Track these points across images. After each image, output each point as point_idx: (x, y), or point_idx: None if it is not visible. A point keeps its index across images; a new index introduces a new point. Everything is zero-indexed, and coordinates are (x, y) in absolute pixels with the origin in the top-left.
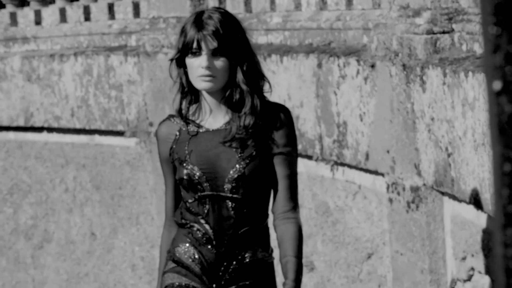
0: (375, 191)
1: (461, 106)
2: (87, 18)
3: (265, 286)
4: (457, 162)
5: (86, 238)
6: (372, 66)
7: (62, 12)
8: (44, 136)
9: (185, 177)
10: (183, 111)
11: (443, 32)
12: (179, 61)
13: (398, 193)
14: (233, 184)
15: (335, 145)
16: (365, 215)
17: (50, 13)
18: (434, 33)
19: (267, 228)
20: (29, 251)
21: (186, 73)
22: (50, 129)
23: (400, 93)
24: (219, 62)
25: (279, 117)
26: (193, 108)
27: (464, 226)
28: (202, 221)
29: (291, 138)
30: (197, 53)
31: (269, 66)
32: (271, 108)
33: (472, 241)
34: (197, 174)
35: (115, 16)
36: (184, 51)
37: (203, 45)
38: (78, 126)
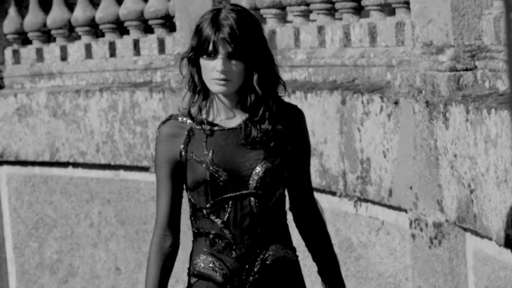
0: (398, 227)
1: (483, 142)
2: (113, 54)
3: (292, 286)
4: (480, 198)
5: (111, 272)
6: (396, 103)
7: (88, 48)
8: (69, 171)
9: (209, 178)
10: (194, 110)
11: (466, 69)
12: (192, 59)
13: (421, 229)
14: (259, 181)
15: (358, 181)
16: (388, 251)
17: (75, 49)
18: (457, 70)
19: (286, 226)
20: (54, 286)
21: (198, 72)
22: (76, 164)
23: (423, 129)
24: (235, 66)
25: (296, 118)
26: (203, 106)
27: (486, 262)
28: (221, 225)
29: (307, 137)
30: (212, 55)
31: (293, 103)
32: (286, 109)
33: (494, 277)
34: (223, 175)
35: (140, 52)
36: (198, 51)
37: (219, 48)
38: (103, 161)
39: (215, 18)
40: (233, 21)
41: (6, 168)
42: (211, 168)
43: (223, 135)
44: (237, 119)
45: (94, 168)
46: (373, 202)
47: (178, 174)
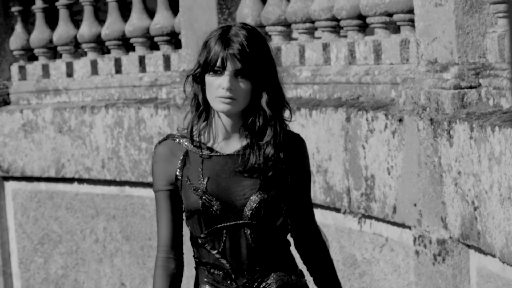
0: (402, 244)
1: (487, 160)
2: (118, 70)
3: None
4: (483, 215)
5: None
6: (400, 120)
7: (94, 64)
8: (75, 187)
9: (201, 208)
10: (195, 132)
11: (470, 87)
12: (197, 77)
13: (425, 246)
14: (253, 211)
15: (363, 198)
16: (392, 267)
17: (81, 66)
18: (461, 88)
19: (288, 252)
20: None
21: (203, 91)
22: (81, 180)
23: (427, 147)
24: (242, 84)
25: (298, 147)
26: (202, 127)
27: (490, 278)
28: (217, 255)
29: (308, 166)
30: (219, 72)
31: (298, 120)
32: (288, 137)
33: None
34: (216, 205)
35: (146, 69)
36: (205, 67)
37: (227, 64)
38: (108, 177)
39: (224, 34)
40: (243, 38)
41: (12, 184)
42: (204, 197)
43: (220, 161)
44: (237, 144)
45: (100, 184)
46: (377, 219)
47: (176, 195)
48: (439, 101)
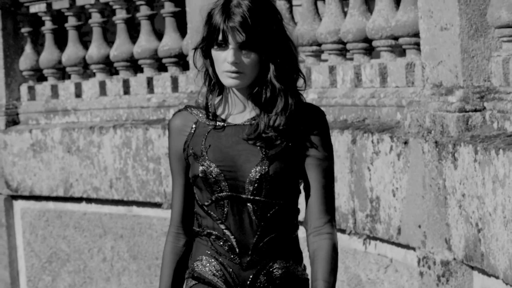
0: (406, 265)
1: (491, 183)
2: (127, 91)
3: None
4: (487, 237)
5: None
6: (405, 142)
7: (102, 85)
8: (83, 206)
9: (200, 174)
10: (210, 106)
11: (475, 110)
12: (205, 50)
13: (429, 267)
14: (255, 185)
15: (368, 219)
16: None
17: (90, 86)
18: (466, 111)
19: (297, 240)
20: None
21: (212, 64)
22: (89, 200)
23: (432, 169)
24: (248, 57)
25: (314, 119)
26: (217, 101)
27: None
28: (222, 226)
29: (327, 142)
30: (223, 45)
31: None
32: (305, 108)
33: None
34: (214, 171)
35: (154, 90)
36: (210, 40)
37: (229, 37)
38: (116, 197)
39: (226, 5)
40: (245, 9)
41: (20, 203)
42: (204, 163)
43: (228, 131)
44: (249, 113)
45: (107, 204)
46: (382, 240)
47: (187, 169)
48: (444, 124)
